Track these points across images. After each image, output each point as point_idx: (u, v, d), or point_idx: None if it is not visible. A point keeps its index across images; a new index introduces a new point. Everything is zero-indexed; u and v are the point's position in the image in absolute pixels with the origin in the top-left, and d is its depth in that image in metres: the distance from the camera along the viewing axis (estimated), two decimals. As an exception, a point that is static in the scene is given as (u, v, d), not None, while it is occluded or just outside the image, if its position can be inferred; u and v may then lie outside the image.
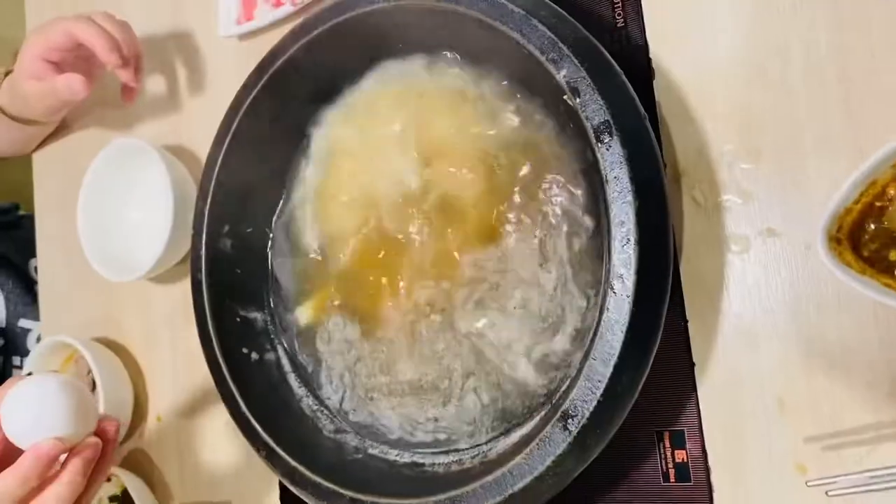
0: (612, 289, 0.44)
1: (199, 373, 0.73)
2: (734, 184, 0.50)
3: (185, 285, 0.65)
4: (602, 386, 0.44)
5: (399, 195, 0.58)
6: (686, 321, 0.51)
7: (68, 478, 0.47)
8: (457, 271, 0.55)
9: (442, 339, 0.56)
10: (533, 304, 0.53)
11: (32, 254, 0.92)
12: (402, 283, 0.58)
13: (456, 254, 0.56)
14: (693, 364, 0.51)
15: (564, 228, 0.52)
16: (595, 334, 0.46)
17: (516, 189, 0.54)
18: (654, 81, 0.53)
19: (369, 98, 0.62)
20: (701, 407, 0.51)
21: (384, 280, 0.59)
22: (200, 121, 0.78)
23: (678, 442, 0.51)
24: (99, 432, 0.50)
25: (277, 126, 0.63)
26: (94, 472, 0.50)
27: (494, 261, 0.55)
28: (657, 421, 0.52)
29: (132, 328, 0.80)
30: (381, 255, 0.59)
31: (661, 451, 0.52)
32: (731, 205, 0.50)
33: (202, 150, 0.68)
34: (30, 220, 0.93)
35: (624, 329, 0.44)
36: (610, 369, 0.44)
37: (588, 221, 0.52)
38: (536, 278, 0.53)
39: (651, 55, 0.54)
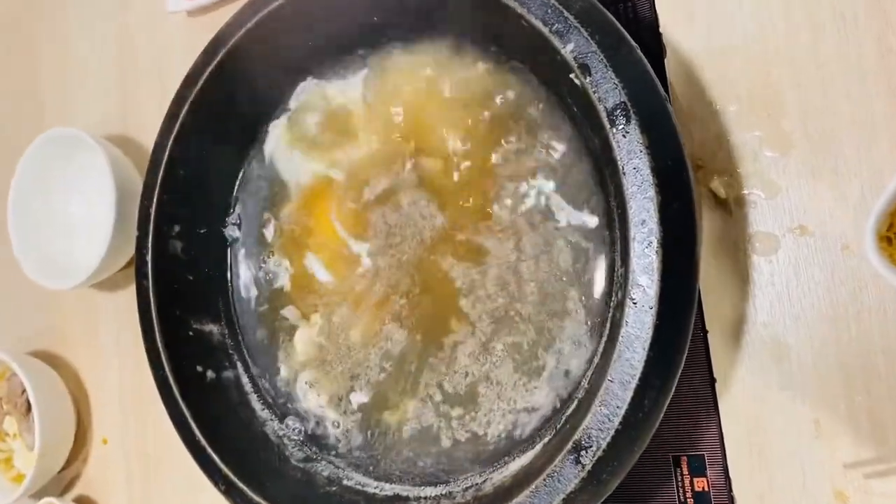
0: (631, 299, 0.38)
1: (149, 390, 0.65)
2: (759, 175, 0.44)
3: (132, 293, 0.57)
4: (621, 412, 0.38)
5: (382, 187, 0.51)
6: (705, 331, 0.45)
7: None
8: (446, 282, 0.49)
9: (429, 353, 0.49)
10: (524, 315, 0.47)
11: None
12: (387, 289, 0.51)
13: (444, 261, 0.49)
14: (714, 380, 0.45)
15: (561, 228, 0.46)
16: (611, 352, 0.39)
17: (506, 184, 0.48)
18: (666, 60, 0.47)
19: (344, 85, 0.55)
20: (723, 428, 0.45)
21: (368, 286, 0.52)
22: (147, 107, 0.69)
23: (697, 468, 0.45)
24: None
25: (233, 112, 0.55)
26: None
27: (480, 269, 0.48)
28: (673, 444, 0.46)
29: (73, 341, 0.72)
30: (364, 255, 0.52)
31: (678, 478, 0.46)
32: (756, 199, 0.45)
33: (149, 139, 0.60)
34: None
35: (646, 346, 0.37)
36: (630, 393, 0.38)
37: (590, 220, 0.45)
38: (525, 285, 0.47)
39: (661, 30, 0.47)
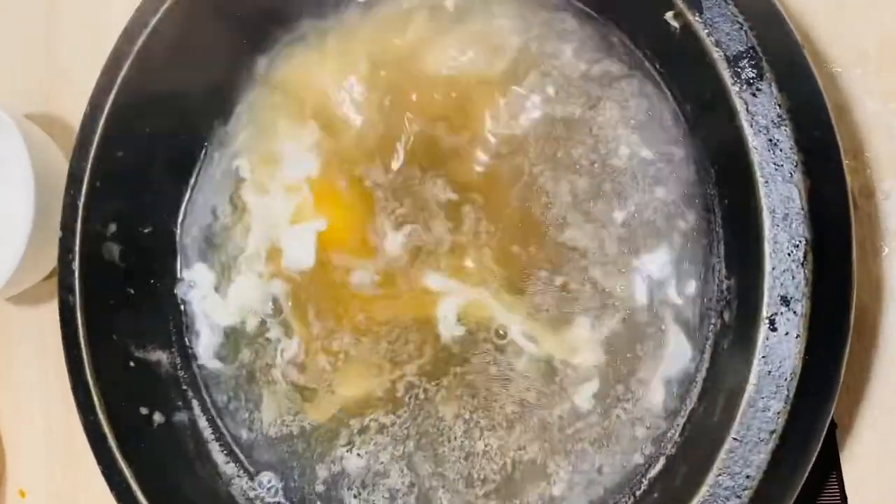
0: (767, 324, 0.27)
1: (79, 430, 0.53)
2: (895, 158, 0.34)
3: (56, 309, 0.45)
4: (753, 484, 0.27)
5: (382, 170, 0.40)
6: (823, 361, 0.35)
7: None
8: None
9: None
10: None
11: None
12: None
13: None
14: (834, 425, 0.35)
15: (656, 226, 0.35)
16: (721, 397, 0.29)
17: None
18: (762, 8, 0.37)
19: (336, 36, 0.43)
20: (847, 489, 0.34)
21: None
22: (77, 78, 0.57)
23: (811, 541, 0.35)
24: None
25: (189, 72, 0.43)
26: None
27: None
28: (778, 509, 0.35)
29: (-18, 369, 0.59)
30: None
31: (785, 553, 0.35)
32: (891, 188, 0.34)
33: (79, 120, 0.48)
34: None
35: (790, 391, 0.27)
36: (765, 457, 0.27)
37: (688, 216, 0.34)
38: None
39: (756, -30, 0.37)
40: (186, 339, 0.46)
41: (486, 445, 0.37)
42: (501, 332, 0.37)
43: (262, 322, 0.43)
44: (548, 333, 0.36)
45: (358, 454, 0.40)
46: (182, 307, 0.46)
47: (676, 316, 0.34)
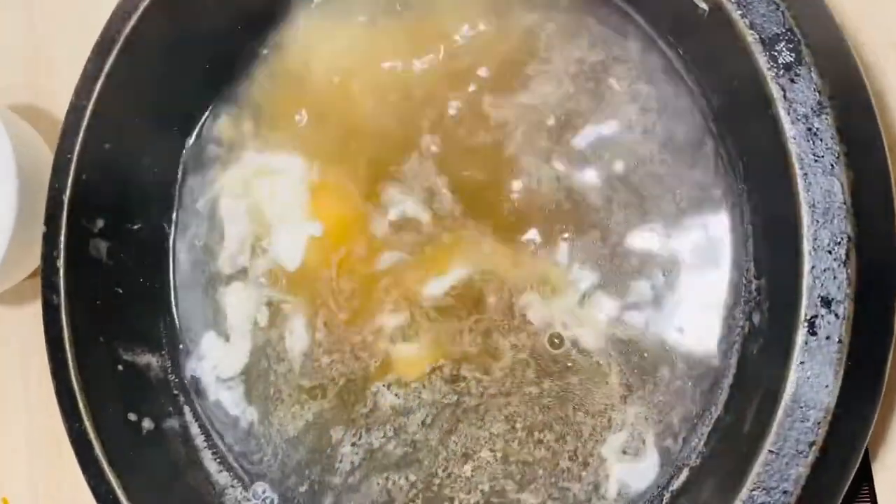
0: (807, 327, 0.25)
1: (64, 437, 0.51)
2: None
3: (40, 310, 0.43)
4: (790, 500, 0.25)
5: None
6: (853, 367, 0.33)
7: None
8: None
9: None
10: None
11: None
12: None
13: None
14: (865, 436, 0.33)
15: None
16: (752, 405, 0.27)
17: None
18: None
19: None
20: (879, 501, 0.32)
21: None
22: (66, 70, 0.54)
23: (840, 558, 0.33)
24: None
25: (181, 60, 0.41)
26: None
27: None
28: (805, 524, 0.33)
29: (-37, 371, 0.56)
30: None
31: (812, 570, 0.33)
32: (926, 183, 0.33)
33: (65, 109, 0.46)
34: None
35: (832, 399, 0.25)
36: (804, 470, 0.25)
37: (714, 214, 0.32)
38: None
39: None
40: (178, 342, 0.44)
41: (479, 460, 0.35)
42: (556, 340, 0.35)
43: (269, 303, 0.41)
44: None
45: (395, 394, 0.37)
46: (174, 308, 0.44)
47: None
